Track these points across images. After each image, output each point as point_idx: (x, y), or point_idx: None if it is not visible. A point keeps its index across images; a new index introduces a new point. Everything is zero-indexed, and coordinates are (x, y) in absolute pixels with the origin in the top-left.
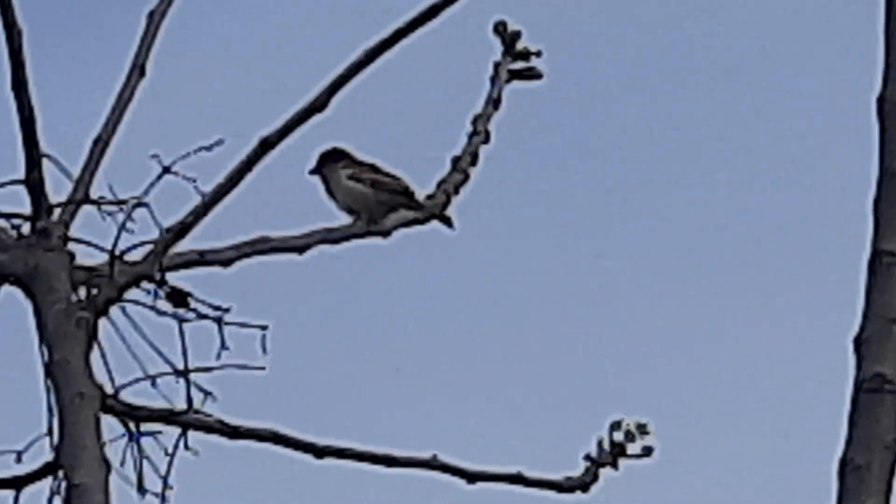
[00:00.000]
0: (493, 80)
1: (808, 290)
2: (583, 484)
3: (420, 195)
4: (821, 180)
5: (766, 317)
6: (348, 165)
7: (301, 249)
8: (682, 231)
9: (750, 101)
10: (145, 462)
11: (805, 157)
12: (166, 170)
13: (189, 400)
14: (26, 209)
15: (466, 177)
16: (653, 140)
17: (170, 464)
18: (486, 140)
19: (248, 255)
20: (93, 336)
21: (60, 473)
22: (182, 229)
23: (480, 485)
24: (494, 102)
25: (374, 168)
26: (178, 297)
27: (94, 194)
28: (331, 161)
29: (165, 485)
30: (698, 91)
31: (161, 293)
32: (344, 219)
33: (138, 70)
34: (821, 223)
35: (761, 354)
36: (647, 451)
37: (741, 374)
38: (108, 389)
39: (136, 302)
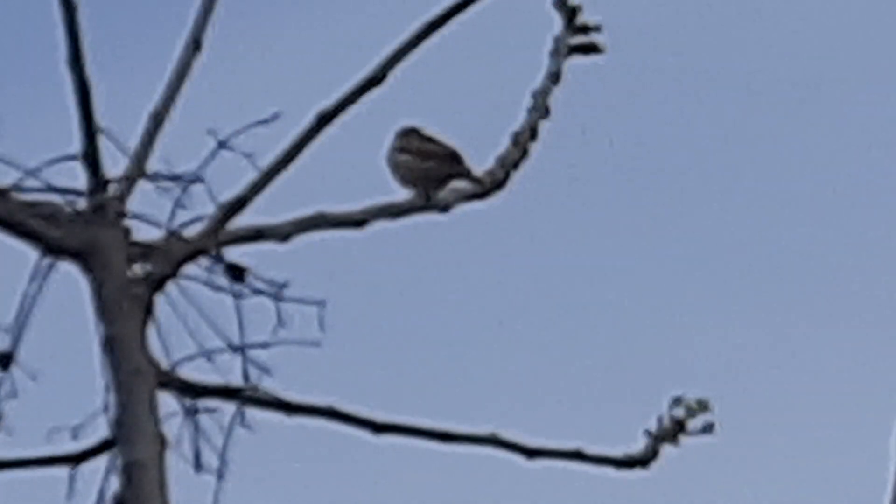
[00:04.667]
0: (553, 54)
1: (867, 277)
2: (643, 460)
3: (474, 166)
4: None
5: (826, 301)
6: (405, 140)
7: (359, 224)
8: (743, 207)
9: (819, 99)
10: (202, 438)
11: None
12: (223, 144)
13: (246, 376)
14: (83, 184)
15: (525, 152)
16: (720, 119)
17: (226, 439)
18: (546, 115)
19: (305, 230)
20: (149, 312)
21: (117, 449)
22: (239, 204)
23: (540, 461)
24: (554, 77)
25: (425, 140)
26: (235, 273)
27: (150, 169)
28: (399, 139)
29: (222, 461)
30: (767, 72)
31: (218, 269)
32: (403, 194)
33: (194, 45)
34: (878, 220)
35: (820, 335)
36: (708, 428)
37: (801, 354)
38: (165, 365)
39: (193, 277)
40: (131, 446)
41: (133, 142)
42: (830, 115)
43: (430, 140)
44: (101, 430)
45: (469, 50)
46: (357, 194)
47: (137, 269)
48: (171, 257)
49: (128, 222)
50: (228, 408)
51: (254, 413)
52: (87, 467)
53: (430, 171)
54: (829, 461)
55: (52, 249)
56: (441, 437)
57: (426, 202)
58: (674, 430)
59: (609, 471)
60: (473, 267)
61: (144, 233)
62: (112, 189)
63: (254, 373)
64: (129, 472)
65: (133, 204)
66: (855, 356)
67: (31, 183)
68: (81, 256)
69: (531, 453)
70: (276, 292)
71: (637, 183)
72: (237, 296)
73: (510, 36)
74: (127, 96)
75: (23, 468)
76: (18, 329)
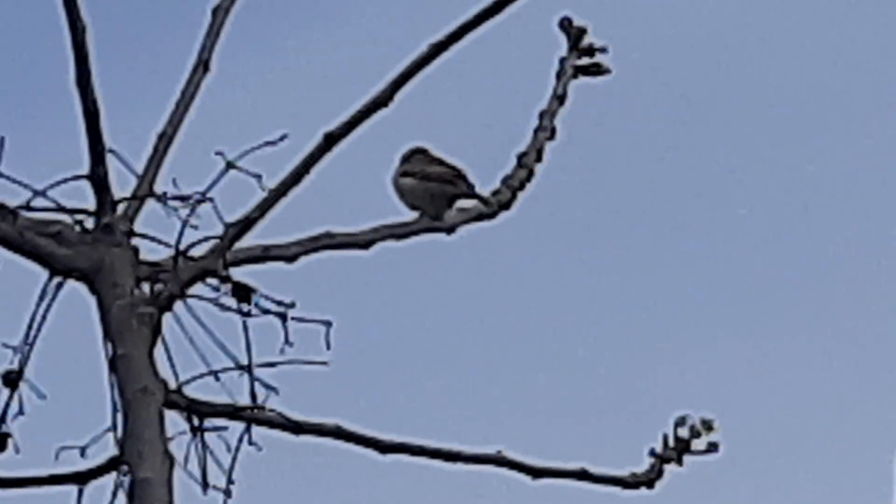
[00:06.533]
0: (559, 75)
1: (871, 293)
2: (647, 480)
3: (477, 185)
4: None
5: (831, 319)
6: (409, 162)
7: (365, 245)
8: (746, 226)
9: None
10: (209, 457)
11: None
12: (230, 165)
13: (253, 395)
14: (91, 205)
15: (531, 173)
16: (726, 140)
17: (233, 459)
18: (552, 136)
19: (312, 251)
20: (157, 331)
21: (124, 468)
22: (246, 225)
23: (545, 481)
24: (560, 98)
25: (430, 161)
26: (242, 293)
27: (158, 189)
28: (405, 161)
29: (229, 480)
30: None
31: (225, 288)
32: (410, 215)
33: (203, 65)
34: (883, 234)
35: (825, 353)
36: (713, 448)
37: (806, 372)
38: (172, 385)
39: (200, 297)
40: (139, 465)
41: (141, 162)
42: (836, 132)
43: (434, 161)
44: (108, 449)
45: (475, 71)
46: (364, 215)
47: (145, 288)
48: (178, 277)
49: (136, 242)
50: (235, 427)
51: (261, 432)
52: (94, 486)
53: (433, 193)
54: (834, 479)
55: (61, 269)
56: (447, 456)
57: (433, 223)
58: (679, 450)
59: (614, 490)
60: (479, 288)
61: (152, 253)
62: (120, 209)
63: (261, 392)
64: (137, 491)
65: (141, 224)
66: (860, 373)
67: (39, 203)
68: (89, 276)
69: (536, 473)
70: (283, 312)
71: (641, 203)
72: (244, 315)
73: (516, 57)
74: (135, 117)
75: (31, 487)
76: (27, 348)
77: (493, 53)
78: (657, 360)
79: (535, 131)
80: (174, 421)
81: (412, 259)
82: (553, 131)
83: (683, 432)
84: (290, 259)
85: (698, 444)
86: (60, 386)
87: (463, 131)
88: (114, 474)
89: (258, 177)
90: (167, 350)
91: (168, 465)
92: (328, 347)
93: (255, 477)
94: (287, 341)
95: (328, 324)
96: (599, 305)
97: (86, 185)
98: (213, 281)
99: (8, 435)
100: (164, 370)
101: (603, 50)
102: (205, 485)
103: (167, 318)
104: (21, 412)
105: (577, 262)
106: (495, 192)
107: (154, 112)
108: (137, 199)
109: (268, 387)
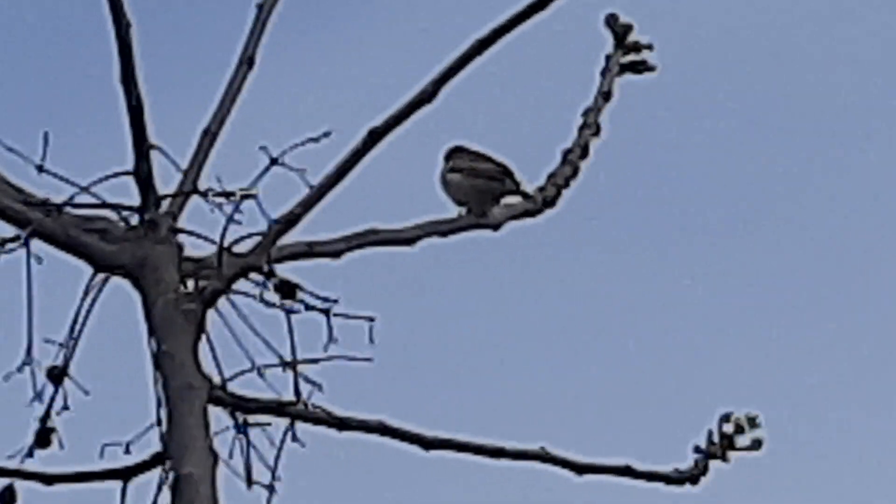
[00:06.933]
0: (604, 72)
1: None
2: (692, 476)
3: (525, 183)
4: None
5: (876, 316)
6: (455, 158)
7: (410, 241)
8: (790, 223)
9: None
10: (253, 453)
11: None
12: (274, 161)
13: (297, 391)
14: (135, 201)
15: (576, 170)
16: (773, 138)
17: (277, 455)
18: (597, 133)
19: (357, 247)
20: (201, 327)
21: (168, 464)
22: (290, 221)
23: (589, 477)
24: (605, 95)
25: (476, 157)
26: (287, 289)
27: (202, 186)
28: (449, 158)
29: (273, 476)
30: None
31: (269, 285)
32: (456, 211)
33: (247, 62)
34: None
35: (870, 351)
36: (757, 444)
37: (851, 369)
38: (216, 381)
39: (245, 293)
40: (183, 461)
41: (185, 158)
42: (886, 139)
43: (480, 157)
44: (152, 445)
45: (520, 67)
46: (408, 211)
47: (190, 284)
48: (222, 273)
49: (180, 238)
50: (279, 423)
51: (305, 428)
52: (138, 482)
53: (481, 189)
54: (880, 477)
55: (105, 265)
56: (491, 452)
57: (478, 219)
58: (723, 447)
59: (658, 487)
60: (523, 284)
61: (196, 249)
62: (164, 205)
63: (305, 388)
64: (181, 487)
65: (185, 220)
66: None
67: (84, 199)
68: (133, 272)
69: (581, 469)
70: (328, 308)
71: (687, 199)
72: (288, 311)
73: (562, 54)
74: (179, 113)
75: (75, 482)
76: (71, 344)
77: (539, 50)
78: (702, 355)
79: (581, 128)
80: (218, 417)
81: (457, 256)
82: (598, 128)
83: (728, 428)
84: (335, 255)
85: (743, 440)
86: (105, 382)
87: (508, 128)
88: (158, 470)
89: (303, 172)
90: (211, 346)
91: (212, 461)
92: (372, 343)
93: (298, 472)
94: (331, 337)
95: (372, 320)
96: (644, 301)
97: (130, 182)
98: (257, 277)
99: (52, 430)
100: (208, 366)
101: (649, 47)
102: (249, 481)
103: (211, 315)
104: (66, 408)
105: (621, 258)
106: (540, 189)
107: (198, 108)
108: (182, 195)
109: (312, 383)
